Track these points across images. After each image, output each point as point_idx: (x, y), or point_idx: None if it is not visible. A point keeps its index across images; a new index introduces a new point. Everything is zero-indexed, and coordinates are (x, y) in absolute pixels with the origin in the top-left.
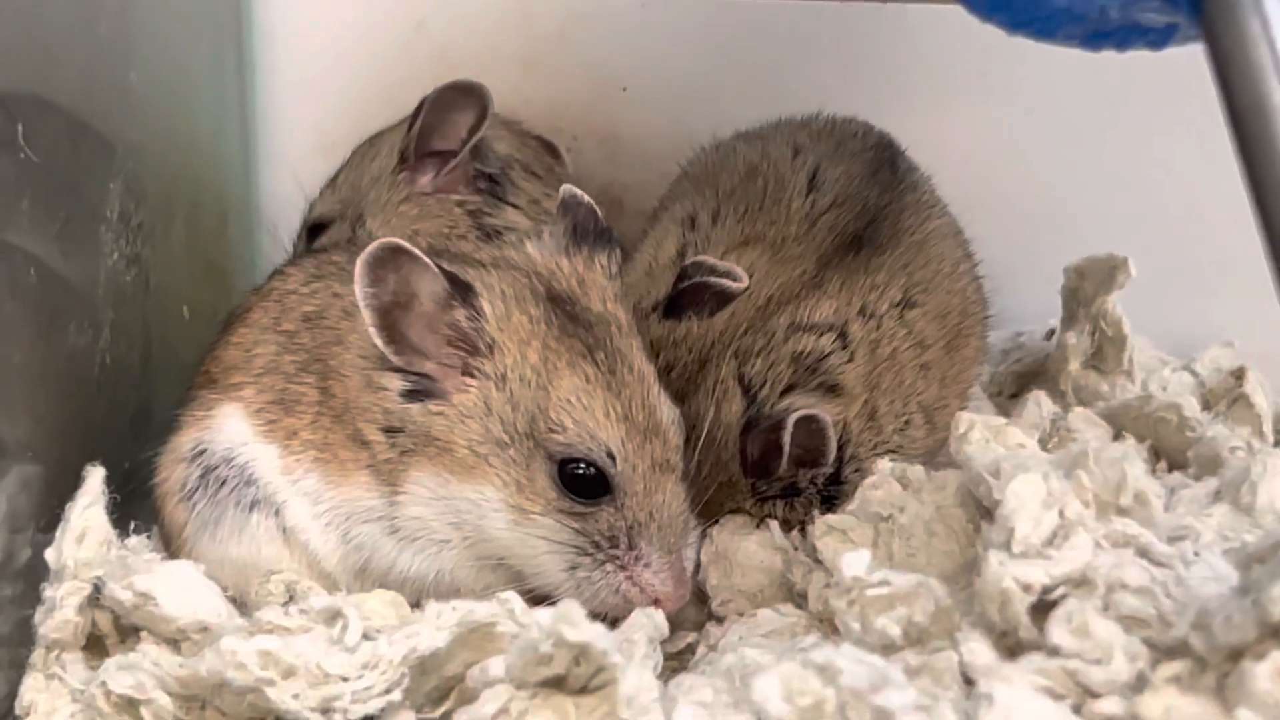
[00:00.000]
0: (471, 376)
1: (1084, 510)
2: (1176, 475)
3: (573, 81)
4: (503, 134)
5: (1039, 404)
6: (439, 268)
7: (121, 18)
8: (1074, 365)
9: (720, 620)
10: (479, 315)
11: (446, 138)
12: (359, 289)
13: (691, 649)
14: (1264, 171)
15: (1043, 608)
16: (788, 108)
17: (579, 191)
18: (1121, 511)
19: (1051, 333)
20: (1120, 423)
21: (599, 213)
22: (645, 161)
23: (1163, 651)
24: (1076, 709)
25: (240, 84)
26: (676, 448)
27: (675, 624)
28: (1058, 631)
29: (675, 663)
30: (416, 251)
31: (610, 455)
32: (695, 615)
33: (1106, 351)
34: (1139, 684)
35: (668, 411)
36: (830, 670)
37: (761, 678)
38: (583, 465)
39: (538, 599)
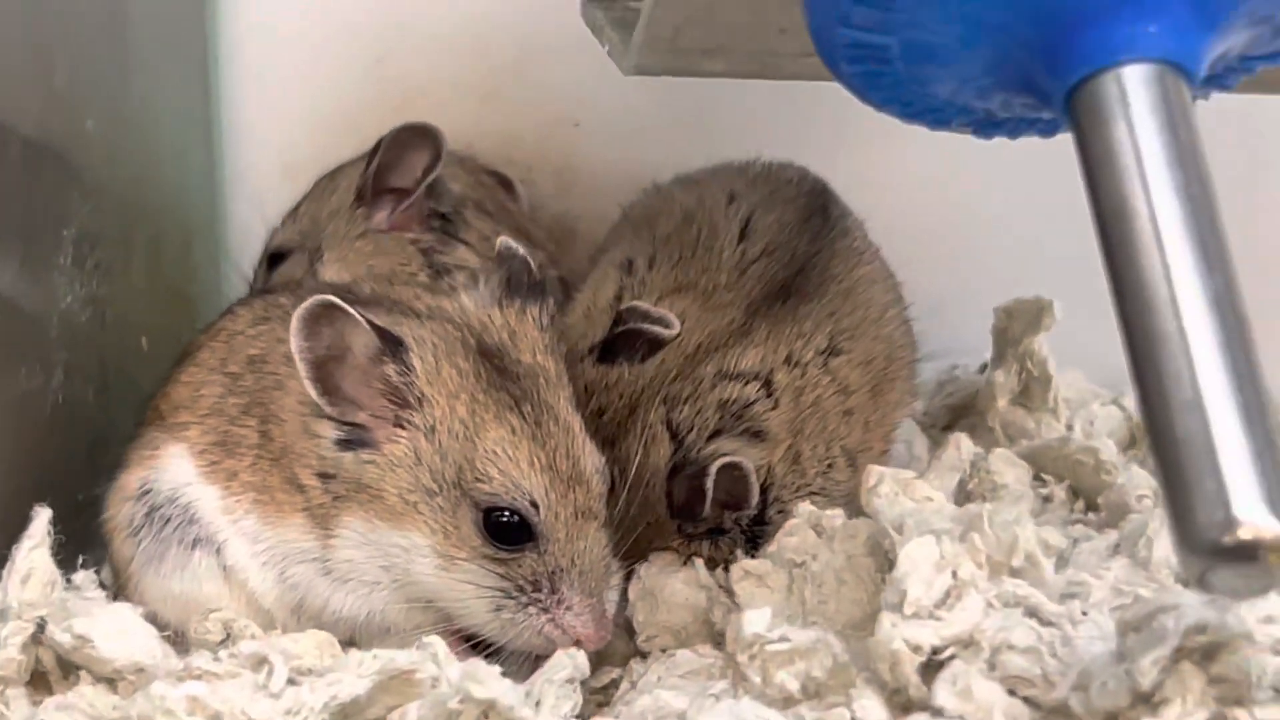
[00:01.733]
0: (402, 428)
1: (977, 571)
2: (1079, 528)
3: (527, 116)
4: (457, 172)
5: (959, 447)
6: (371, 324)
7: (79, 67)
8: (1002, 402)
9: (645, 656)
10: (409, 370)
11: (402, 176)
12: (294, 343)
13: (616, 684)
14: (1123, 269)
15: (934, 666)
16: (731, 141)
17: (514, 244)
18: (1014, 572)
19: (985, 367)
20: (1040, 463)
21: (533, 265)
22: (597, 193)
23: (1046, 711)
24: None
25: (206, 114)
26: (599, 495)
27: (604, 657)
28: (942, 693)
29: (600, 696)
30: (349, 310)
31: (534, 504)
32: (624, 649)
33: (1033, 390)
34: None
35: (591, 461)
36: None
37: None
38: (507, 513)
39: (470, 634)
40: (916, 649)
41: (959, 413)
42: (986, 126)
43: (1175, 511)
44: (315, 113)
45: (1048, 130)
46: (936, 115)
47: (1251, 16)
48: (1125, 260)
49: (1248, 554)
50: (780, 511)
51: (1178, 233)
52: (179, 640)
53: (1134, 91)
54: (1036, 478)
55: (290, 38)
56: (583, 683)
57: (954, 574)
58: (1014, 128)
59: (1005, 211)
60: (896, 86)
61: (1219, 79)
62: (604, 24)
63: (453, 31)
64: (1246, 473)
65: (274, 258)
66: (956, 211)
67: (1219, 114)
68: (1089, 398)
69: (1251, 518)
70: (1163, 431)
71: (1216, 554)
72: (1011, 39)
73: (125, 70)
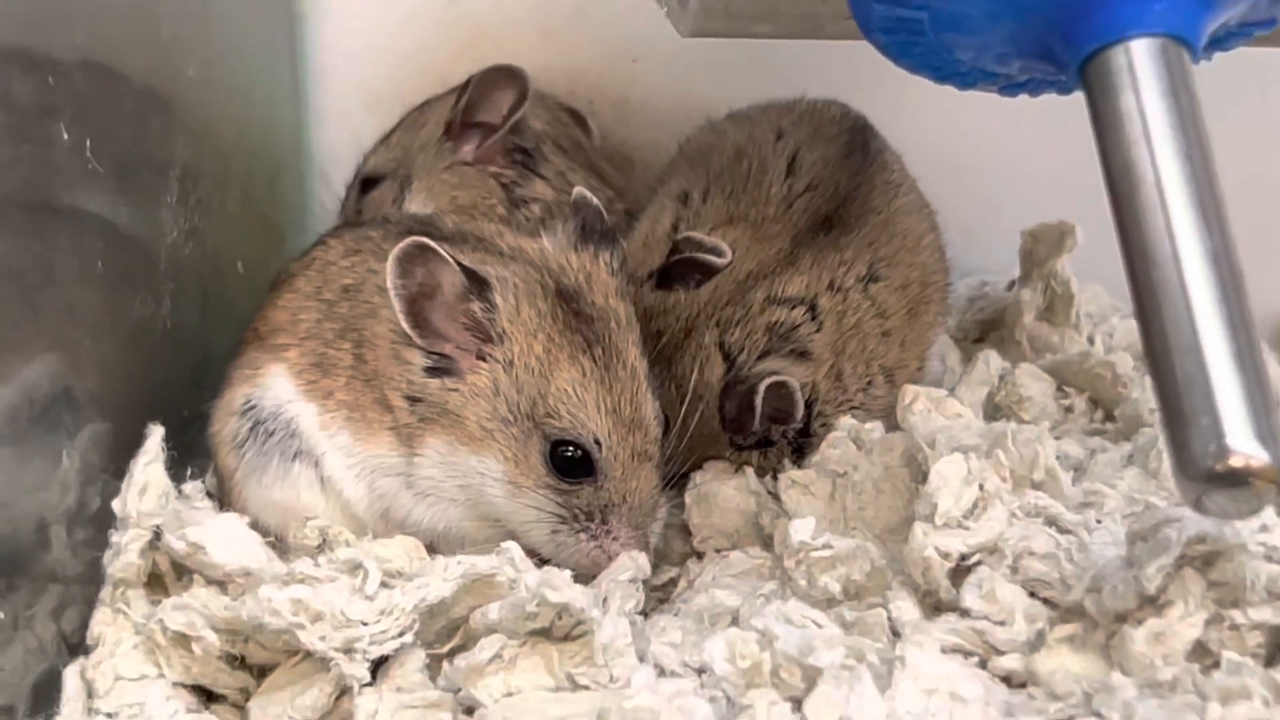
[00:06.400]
0: (484, 360)
1: (1001, 484)
2: (1097, 439)
3: (588, 52)
4: (538, 110)
5: (988, 363)
6: (459, 264)
7: (182, 21)
8: (1028, 318)
9: (700, 556)
10: (492, 308)
11: (489, 112)
12: (390, 281)
13: (674, 582)
14: (1130, 226)
15: (962, 571)
16: (778, 77)
17: (588, 194)
18: (1035, 485)
19: (1012, 284)
20: (1063, 376)
21: (605, 213)
22: (654, 124)
23: (1063, 611)
24: (983, 664)
25: (292, 54)
26: (655, 439)
27: (663, 557)
28: (969, 596)
29: (660, 593)
30: (441, 251)
31: (597, 442)
32: (681, 549)
33: (1057, 307)
34: (1037, 642)
35: (652, 406)
36: (768, 635)
37: (710, 640)
38: (572, 448)
39: None
40: (946, 556)
41: (988, 327)
42: (1009, 87)
43: (1174, 442)
44: (392, 50)
45: (1065, 89)
46: (964, 78)
47: None
48: (1132, 218)
49: (1238, 480)
50: (823, 425)
51: (1179, 193)
52: (279, 545)
53: (1140, 63)
54: (1059, 389)
55: None
56: (644, 582)
57: (981, 487)
58: (1035, 87)
59: (1032, 140)
60: (927, 54)
61: (1220, 43)
62: None
63: None
64: (1238, 409)
65: (366, 182)
66: (987, 139)
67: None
68: (1109, 311)
69: (1242, 448)
70: (1164, 372)
71: (1211, 480)
72: (1033, 14)
73: (218, 19)
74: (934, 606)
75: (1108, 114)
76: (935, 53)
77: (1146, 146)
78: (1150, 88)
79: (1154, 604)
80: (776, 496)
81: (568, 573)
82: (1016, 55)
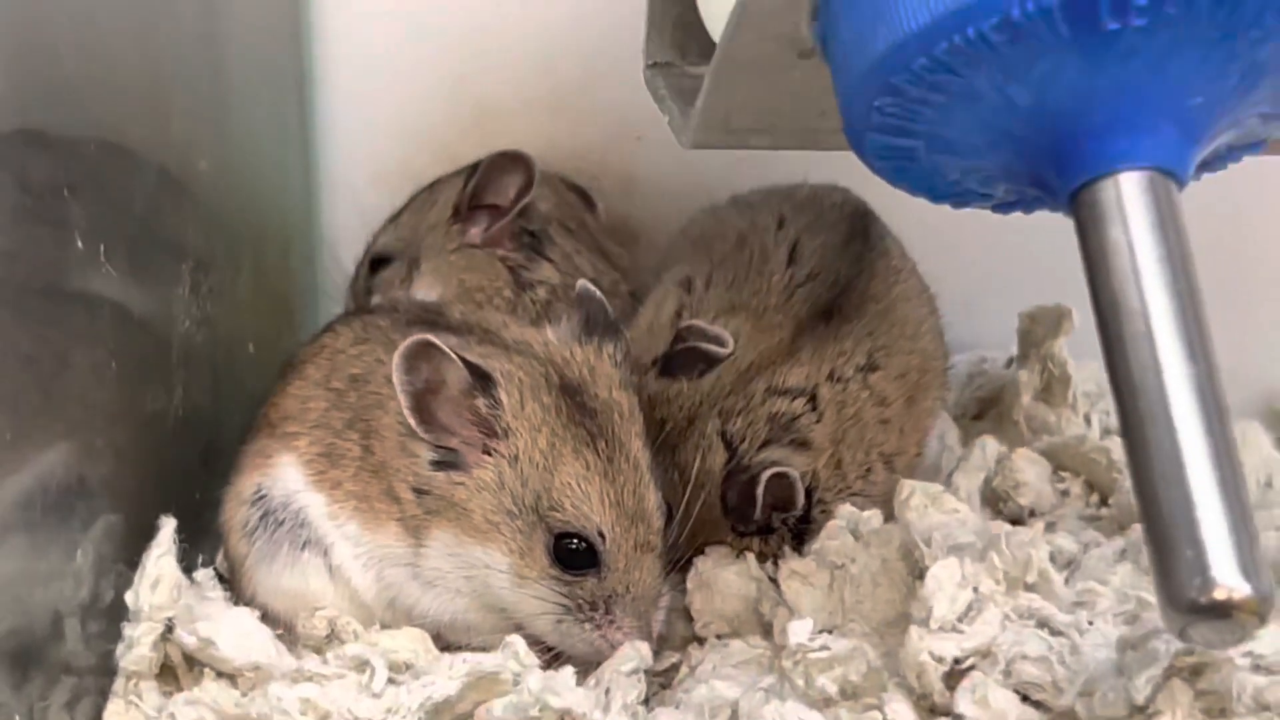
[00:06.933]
0: (489, 455)
1: (995, 587)
2: (1090, 533)
3: (594, 129)
4: (545, 191)
5: (984, 449)
6: (464, 361)
7: (194, 114)
8: (1026, 398)
9: (702, 641)
10: (497, 404)
11: (497, 195)
12: (396, 377)
13: (676, 668)
14: (1117, 355)
15: (956, 675)
16: (781, 155)
17: (592, 287)
18: (1028, 587)
19: (1011, 361)
20: (1059, 459)
21: (608, 307)
22: (658, 200)
23: (1055, 715)
24: None
25: (302, 132)
26: (658, 530)
27: (666, 642)
28: (963, 701)
29: (662, 679)
30: (445, 349)
31: (600, 534)
32: (684, 632)
33: (1054, 388)
34: None
35: (654, 497)
36: None
37: None
38: (576, 541)
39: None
40: (940, 660)
41: (987, 405)
42: (1003, 207)
43: (1160, 572)
44: (402, 127)
45: (1056, 209)
46: (958, 199)
47: (1231, 124)
48: (1119, 348)
49: (1222, 612)
50: (823, 512)
51: (1165, 324)
52: (288, 634)
53: (1129, 195)
54: (1055, 473)
55: (379, 62)
56: (646, 671)
57: (975, 590)
58: (1028, 206)
59: (1028, 218)
60: (921, 177)
61: (1208, 166)
62: (665, 93)
63: (525, 54)
64: (1223, 541)
65: (375, 262)
66: (983, 218)
67: None
68: (1107, 389)
69: (1226, 580)
70: (1150, 502)
71: (1195, 611)
72: (1027, 144)
73: (229, 106)
74: (929, 709)
75: (1096, 245)
76: (928, 176)
77: (1133, 277)
78: (1138, 220)
79: (1144, 713)
80: (776, 582)
81: (570, 672)
82: (1006, 180)
